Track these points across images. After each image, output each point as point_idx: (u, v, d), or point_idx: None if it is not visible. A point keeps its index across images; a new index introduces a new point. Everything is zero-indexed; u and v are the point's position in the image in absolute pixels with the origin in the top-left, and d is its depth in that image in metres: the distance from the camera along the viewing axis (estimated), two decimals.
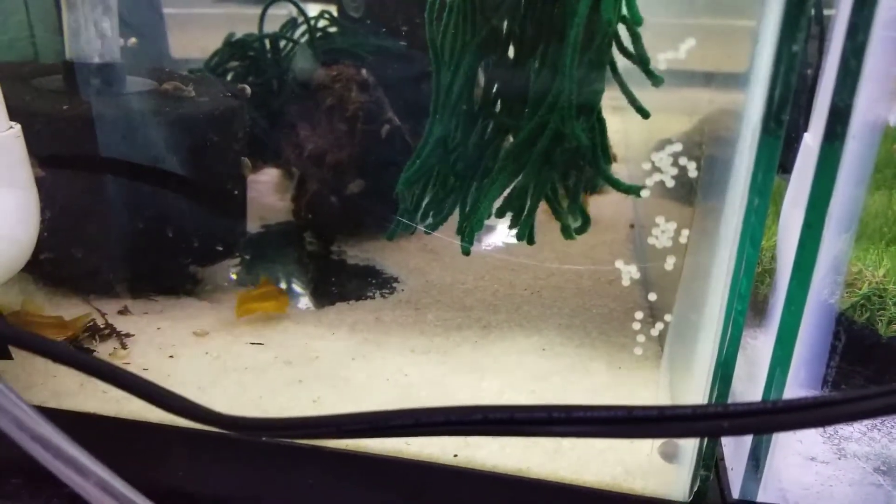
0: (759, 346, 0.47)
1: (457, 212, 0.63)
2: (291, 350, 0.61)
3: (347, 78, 0.79)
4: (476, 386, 0.56)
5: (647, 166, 0.46)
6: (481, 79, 0.60)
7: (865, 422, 0.55)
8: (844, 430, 0.54)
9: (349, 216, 0.81)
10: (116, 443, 0.49)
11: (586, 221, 0.60)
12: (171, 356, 0.59)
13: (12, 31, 0.81)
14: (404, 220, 0.64)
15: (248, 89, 0.73)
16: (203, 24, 0.99)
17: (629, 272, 0.50)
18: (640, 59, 0.52)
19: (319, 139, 0.80)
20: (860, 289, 0.57)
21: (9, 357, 0.48)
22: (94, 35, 0.64)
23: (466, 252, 0.61)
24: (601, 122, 0.57)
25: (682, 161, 0.45)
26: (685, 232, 0.46)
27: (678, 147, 0.45)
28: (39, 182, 0.55)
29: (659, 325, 0.49)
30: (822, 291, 0.50)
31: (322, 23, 0.94)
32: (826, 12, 0.65)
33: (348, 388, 0.56)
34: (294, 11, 0.94)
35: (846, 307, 0.56)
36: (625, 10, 0.52)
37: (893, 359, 0.57)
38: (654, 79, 0.51)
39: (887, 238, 0.62)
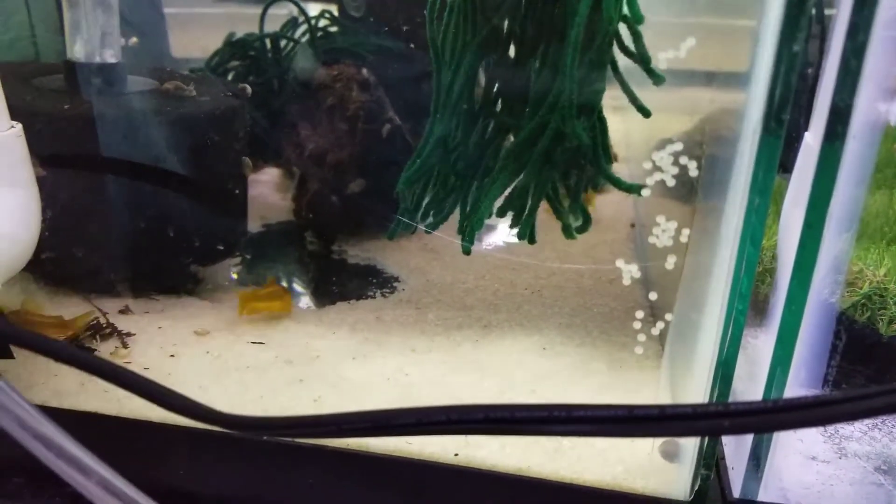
0: (759, 346, 0.47)
1: (457, 211, 0.63)
2: (292, 349, 0.61)
3: (348, 77, 0.79)
4: (477, 385, 0.57)
5: (647, 165, 0.46)
6: (482, 78, 0.60)
7: (866, 421, 0.55)
8: (845, 429, 0.54)
9: (350, 215, 0.81)
10: (118, 442, 0.49)
11: (587, 220, 0.60)
12: (172, 355, 0.59)
13: (13, 30, 0.81)
14: (405, 220, 0.64)
15: (249, 89, 0.73)
16: (204, 23, 0.99)
17: (630, 271, 0.50)
18: (642, 58, 0.52)
19: (320, 139, 0.80)
20: (861, 288, 0.57)
21: (10, 356, 0.49)
22: (96, 34, 0.64)
23: (467, 251, 0.61)
24: (602, 122, 0.57)
25: (683, 160, 0.46)
26: (686, 231, 0.46)
27: (679, 146, 0.45)
28: (41, 181, 0.55)
29: (660, 325, 0.49)
30: (823, 291, 0.50)
31: (323, 22, 0.94)
32: (827, 12, 0.65)
33: (349, 388, 0.56)
34: (295, 11, 0.94)
35: (847, 306, 0.57)
36: (626, 10, 0.52)
37: (894, 358, 0.57)
38: (656, 77, 0.51)
39: (888, 237, 0.62)
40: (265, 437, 0.48)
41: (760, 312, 0.48)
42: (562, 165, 0.58)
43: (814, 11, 0.57)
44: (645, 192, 0.49)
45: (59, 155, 0.62)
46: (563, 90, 0.53)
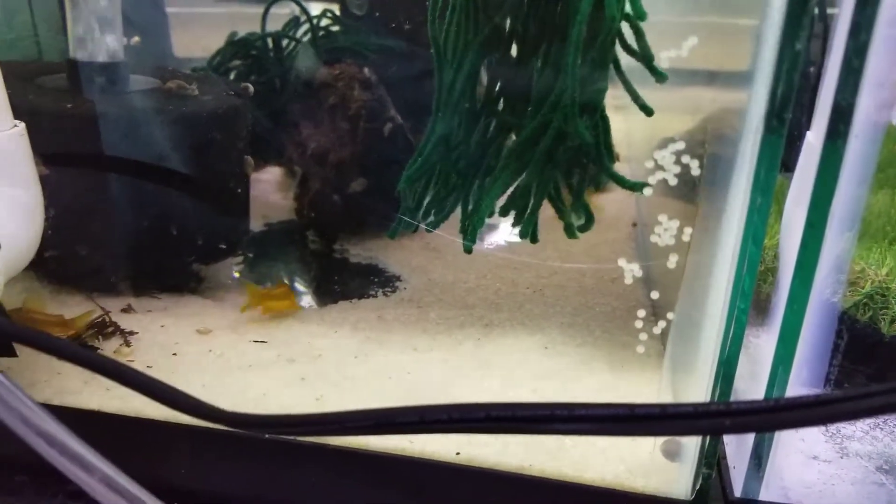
0: (761, 345, 0.47)
1: (458, 210, 0.63)
2: (294, 348, 0.61)
3: (350, 76, 0.79)
4: (478, 384, 0.57)
5: (649, 165, 0.46)
6: (484, 77, 0.60)
7: (868, 420, 0.55)
8: (847, 428, 0.54)
9: (352, 214, 0.81)
10: (120, 440, 0.49)
11: (590, 219, 0.60)
12: (174, 354, 0.59)
13: (16, 30, 0.81)
14: (406, 219, 0.64)
15: (251, 88, 0.73)
16: (206, 22, 0.99)
17: (632, 270, 0.50)
18: (644, 56, 0.52)
19: (322, 138, 0.80)
20: (863, 287, 0.57)
21: (13, 354, 0.49)
22: (98, 34, 0.65)
23: (468, 250, 0.61)
24: (605, 120, 0.57)
25: (685, 159, 0.46)
26: (688, 230, 0.46)
27: (681, 145, 0.45)
28: (44, 180, 0.56)
29: (661, 324, 0.49)
30: (825, 290, 0.50)
31: (324, 21, 0.94)
32: (829, 11, 0.65)
33: (351, 386, 0.56)
34: (296, 10, 0.94)
35: (849, 306, 0.56)
36: (628, 8, 0.52)
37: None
38: (658, 75, 0.51)
39: (890, 237, 0.62)
40: (267, 436, 0.49)
41: (762, 311, 0.48)
42: (564, 164, 0.58)
43: (816, 10, 0.57)
44: (647, 191, 0.49)
45: (61, 154, 0.62)
46: (566, 89, 0.53)
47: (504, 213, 0.60)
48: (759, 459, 0.46)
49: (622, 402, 0.30)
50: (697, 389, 0.45)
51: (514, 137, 0.60)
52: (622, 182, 0.56)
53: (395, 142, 0.78)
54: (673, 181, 0.46)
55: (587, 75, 0.53)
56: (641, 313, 0.49)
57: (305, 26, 0.94)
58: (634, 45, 0.53)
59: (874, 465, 0.51)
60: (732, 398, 0.44)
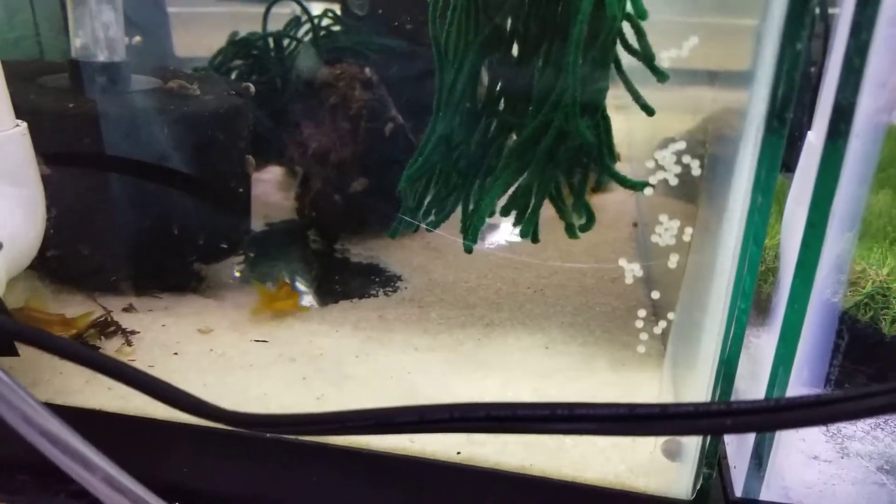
0: (762, 345, 0.47)
1: (459, 210, 0.63)
2: (295, 347, 0.61)
3: (351, 76, 0.79)
4: (479, 384, 0.57)
5: (650, 165, 0.46)
6: (485, 77, 0.60)
7: (869, 420, 0.55)
8: (848, 428, 0.54)
9: (353, 214, 0.81)
10: (122, 439, 0.49)
11: (591, 219, 0.60)
12: (175, 353, 0.59)
13: (18, 29, 0.81)
14: (407, 218, 0.64)
15: (253, 88, 0.74)
16: (207, 22, 1.00)
17: (632, 270, 0.50)
18: (645, 55, 0.52)
19: (323, 137, 0.80)
20: (864, 287, 0.57)
21: (15, 354, 0.49)
22: (100, 33, 0.65)
23: (469, 250, 0.61)
24: (606, 120, 0.57)
25: (686, 159, 0.46)
26: (688, 230, 0.46)
27: (681, 145, 0.45)
28: (45, 180, 0.56)
29: (662, 324, 0.49)
30: (826, 290, 0.50)
31: (325, 21, 0.94)
32: (830, 10, 0.65)
33: (352, 386, 0.56)
34: (298, 10, 0.94)
35: (849, 306, 0.56)
36: (629, 7, 0.52)
37: None
38: (660, 75, 0.51)
39: (891, 237, 0.62)
40: (268, 435, 0.49)
41: (763, 311, 0.48)
42: (565, 164, 0.58)
43: (817, 10, 0.57)
44: (648, 191, 0.49)
45: (63, 153, 0.62)
46: (567, 88, 0.53)
47: (505, 212, 0.60)
48: (759, 459, 0.46)
49: (623, 402, 0.30)
50: (698, 389, 0.45)
51: (514, 137, 0.60)
52: (624, 181, 0.56)
53: (396, 141, 0.78)
54: (673, 181, 0.46)
55: (588, 75, 0.53)
56: (642, 313, 0.50)
57: (306, 26, 0.94)
58: (635, 44, 0.53)
59: (875, 465, 0.51)
60: (733, 398, 0.44)
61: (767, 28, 0.37)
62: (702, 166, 0.45)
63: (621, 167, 0.58)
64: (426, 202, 0.63)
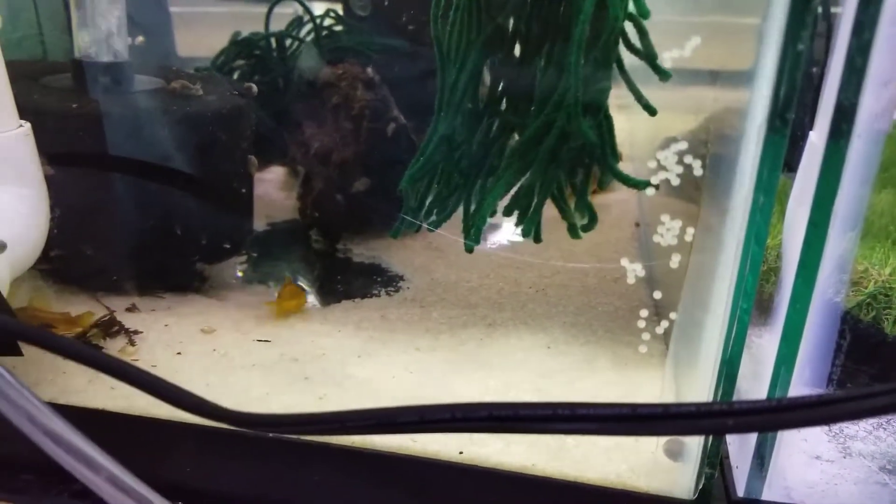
0: (764, 345, 0.47)
1: (461, 210, 0.63)
2: (298, 347, 0.61)
3: (353, 76, 0.79)
4: (481, 383, 0.57)
5: (652, 165, 0.46)
6: (486, 77, 0.60)
7: (871, 420, 0.55)
8: (850, 428, 0.54)
9: (355, 214, 0.81)
10: (125, 438, 0.49)
11: (593, 219, 0.60)
12: (178, 353, 0.59)
13: (21, 29, 0.81)
14: (409, 218, 0.64)
15: (255, 88, 0.74)
16: (209, 22, 1.00)
17: (634, 270, 0.50)
18: (648, 55, 0.52)
19: (325, 137, 0.80)
20: (866, 287, 0.57)
21: (19, 353, 0.49)
22: (102, 33, 0.65)
23: (469, 250, 0.61)
24: (608, 120, 0.57)
25: (688, 159, 0.46)
26: (690, 230, 0.46)
27: (683, 145, 0.45)
28: (49, 180, 0.56)
29: (664, 324, 0.49)
30: (828, 290, 0.50)
31: (328, 21, 0.94)
32: (833, 10, 0.65)
33: (354, 386, 0.56)
34: (300, 10, 0.95)
35: (852, 306, 0.56)
36: (631, 7, 0.52)
37: None
38: (662, 73, 0.51)
39: (893, 237, 0.61)
40: (271, 434, 0.49)
41: (765, 311, 0.48)
42: (567, 164, 0.58)
43: (820, 9, 0.57)
44: (650, 191, 0.49)
45: (66, 154, 0.62)
46: (569, 88, 0.53)
47: (508, 212, 0.60)
48: (761, 459, 0.46)
49: (625, 402, 0.30)
50: (700, 389, 0.45)
51: (516, 137, 0.60)
52: (627, 181, 0.56)
53: (398, 141, 0.78)
54: (675, 181, 0.46)
55: (590, 75, 0.53)
56: (644, 313, 0.50)
57: (309, 26, 0.94)
58: (638, 43, 0.53)
59: (877, 465, 0.51)
60: (735, 398, 0.44)
61: (769, 27, 0.37)
62: (704, 166, 0.45)
63: (623, 167, 0.58)
64: (428, 202, 0.63)
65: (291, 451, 0.49)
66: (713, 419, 0.29)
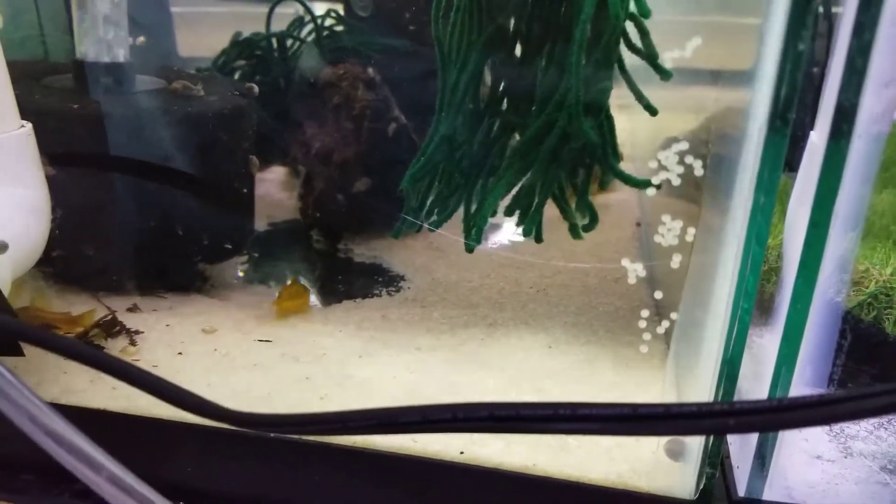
0: (765, 345, 0.47)
1: (462, 209, 0.63)
2: (299, 347, 0.61)
3: (354, 76, 0.79)
4: (482, 383, 0.57)
5: (653, 165, 0.46)
6: (488, 77, 0.60)
7: (872, 420, 0.55)
8: (851, 428, 0.54)
9: (356, 214, 0.81)
10: (126, 438, 0.49)
11: (594, 219, 0.60)
12: (179, 353, 0.59)
13: (23, 29, 0.81)
14: (410, 218, 0.64)
15: (256, 88, 0.74)
16: (210, 22, 1.00)
17: (635, 270, 0.50)
18: (649, 54, 0.52)
19: (326, 137, 0.80)
20: (867, 287, 0.57)
21: (20, 353, 0.49)
22: (103, 34, 0.65)
23: (470, 250, 0.61)
24: (609, 120, 0.57)
25: (689, 159, 0.46)
26: (691, 230, 0.46)
27: (684, 145, 0.45)
28: (50, 180, 0.56)
29: (665, 323, 0.49)
30: (829, 290, 0.50)
31: (329, 21, 0.94)
32: (834, 10, 0.65)
33: (355, 386, 0.56)
34: (301, 10, 0.95)
35: (852, 305, 0.56)
36: (632, 7, 0.52)
37: None
38: (663, 73, 0.51)
39: (894, 236, 0.61)
40: (272, 435, 0.49)
41: (766, 311, 0.48)
42: (569, 164, 0.58)
43: (820, 9, 0.57)
44: (651, 191, 0.49)
45: (68, 154, 0.62)
46: (570, 88, 0.53)
47: (509, 212, 0.60)
48: (762, 459, 0.46)
49: (626, 402, 0.30)
50: (701, 389, 0.45)
51: (517, 137, 0.60)
52: (629, 180, 0.56)
53: (399, 142, 0.78)
54: (676, 181, 0.46)
55: (591, 75, 0.53)
56: (645, 313, 0.49)
57: (310, 26, 0.94)
58: (638, 43, 0.53)
59: (878, 464, 0.51)
60: (736, 398, 0.44)
61: (770, 27, 0.37)
62: (704, 166, 0.45)
63: (624, 167, 0.58)
64: (429, 202, 0.63)
65: (292, 451, 0.49)
66: (714, 419, 0.29)
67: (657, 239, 0.47)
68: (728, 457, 0.50)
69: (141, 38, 0.75)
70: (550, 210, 0.60)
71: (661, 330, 0.50)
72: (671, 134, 0.48)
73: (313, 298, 0.73)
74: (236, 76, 0.93)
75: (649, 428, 0.30)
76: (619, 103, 0.56)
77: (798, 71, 0.36)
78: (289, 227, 0.88)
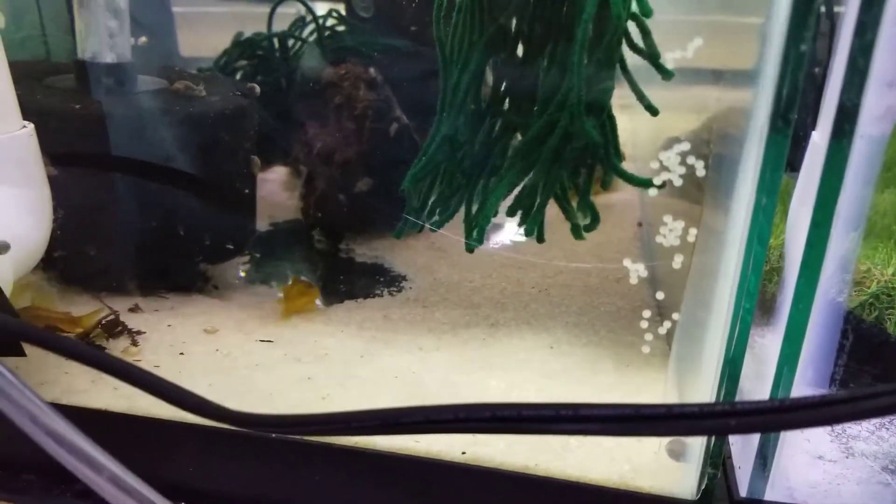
0: (766, 345, 0.47)
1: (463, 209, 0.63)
2: (300, 347, 0.61)
3: (356, 76, 0.79)
4: (484, 384, 0.57)
5: (655, 165, 0.46)
6: (489, 77, 0.60)
7: (873, 420, 0.55)
8: (852, 428, 0.54)
9: (357, 214, 0.81)
10: (127, 439, 0.49)
11: (595, 219, 0.60)
12: (181, 353, 0.59)
13: (25, 29, 0.81)
14: (411, 218, 0.64)
15: (258, 88, 0.74)
16: (211, 22, 1.00)
17: (637, 270, 0.50)
18: (651, 54, 0.52)
19: (328, 137, 0.80)
20: (868, 287, 0.57)
21: (22, 354, 0.49)
22: (105, 34, 0.65)
23: (470, 250, 0.61)
24: (611, 120, 0.57)
25: (690, 160, 0.45)
26: (693, 230, 0.46)
27: (686, 146, 0.45)
28: (52, 180, 0.56)
29: (667, 324, 0.49)
30: (830, 290, 0.50)
31: (330, 21, 0.94)
32: (836, 9, 0.64)
33: (357, 386, 0.56)
34: (302, 10, 0.95)
35: (854, 306, 0.56)
36: (634, 6, 0.52)
37: None
38: (665, 73, 0.51)
39: None
40: (274, 435, 0.49)
41: (768, 311, 0.48)
42: (570, 164, 0.58)
43: (822, 9, 0.57)
44: (652, 192, 0.49)
45: (70, 154, 0.62)
46: (572, 88, 0.53)
47: (511, 212, 0.60)
48: (764, 459, 0.46)
49: (627, 403, 0.30)
50: (703, 389, 0.45)
51: (519, 137, 0.60)
52: (632, 180, 0.56)
53: (401, 142, 0.78)
54: (678, 182, 0.46)
55: (593, 74, 0.53)
56: (647, 313, 0.49)
57: (311, 26, 0.94)
58: (640, 42, 0.53)
59: (880, 464, 0.51)
60: (738, 398, 0.44)
61: (772, 27, 0.36)
62: (706, 166, 0.45)
63: (626, 167, 0.58)
64: (430, 202, 0.63)
65: (293, 452, 0.49)
66: (716, 420, 0.29)
67: (659, 239, 0.47)
68: (730, 457, 0.50)
69: (143, 39, 0.75)
70: (552, 210, 0.60)
71: (662, 330, 0.50)
72: (673, 134, 0.48)
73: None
74: (238, 76, 0.93)
75: (651, 428, 0.30)
76: (621, 103, 0.56)
77: (800, 71, 0.36)
78: (290, 228, 0.88)
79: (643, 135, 0.74)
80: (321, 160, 0.80)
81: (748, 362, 0.43)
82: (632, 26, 0.53)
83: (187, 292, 0.70)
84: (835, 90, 0.36)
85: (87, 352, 0.38)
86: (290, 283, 0.70)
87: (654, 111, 0.55)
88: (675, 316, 0.49)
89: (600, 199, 0.61)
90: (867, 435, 0.54)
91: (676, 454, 0.47)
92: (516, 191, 0.60)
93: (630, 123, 0.63)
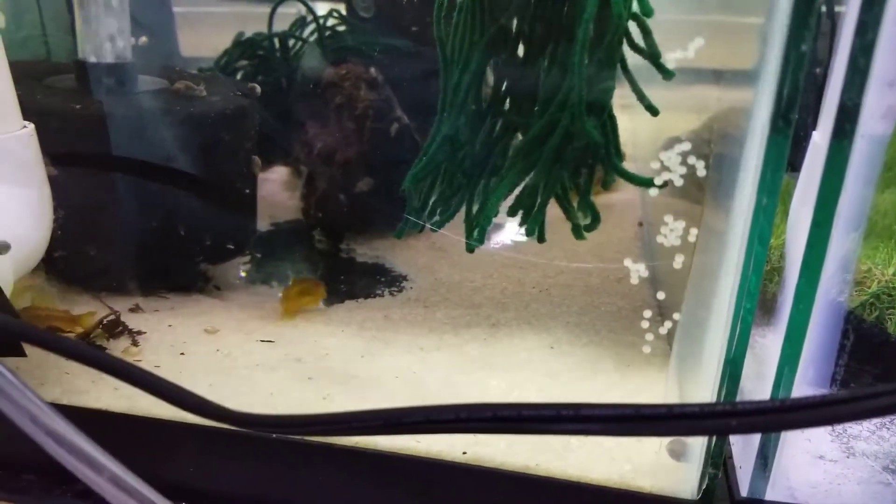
0: (767, 345, 0.47)
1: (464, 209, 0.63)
2: (301, 347, 0.61)
3: (356, 76, 0.79)
4: (485, 384, 0.57)
5: (655, 165, 0.46)
6: (490, 77, 0.60)
7: (874, 420, 0.55)
8: (853, 428, 0.54)
9: (358, 214, 0.81)
10: (128, 439, 0.49)
11: (596, 219, 0.60)
12: (182, 353, 0.59)
13: (25, 29, 0.82)
14: (412, 218, 0.64)
15: (258, 88, 0.74)
16: (212, 22, 1.00)
17: (638, 270, 0.50)
18: (651, 54, 0.52)
19: (328, 137, 0.80)
20: (869, 287, 0.57)
21: (22, 354, 0.49)
22: (106, 34, 0.65)
23: (471, 250, 0.61)
24: (612, 120, 0.57)
25: (691, 160, 0.45)
26: (694, 230, 0.46)
27: (687, 146, 0.45)
28: (52, 180, 0.56)
29: (667, 324, 0.49)
30: (831, 290, 0.50)
31: (331, 21, 0.94)
32: (837, 9, 0.64)
33: (358, 386, 0.56)
34: (303, 10, 0.95)
35: (855, 306, 0.56)
36: (635, 6, 0.52)
37: None
38: (666, 73, 0.51)
39: None
40: (274, 435, 0.49)
41: (768, 311, 0.48)
42: (571, 164, 0.58)
43: (823, 9, 0.57)
44: (653, 192, 0.49)
45: (70, 154, 0.62)
46: (573, 88, 0.53)
47: (512, 212, 0.60)
48: (765, 459, 0.46)
49: (628, 403, 0.30)
50: (703, 389, 0.45)
51: (520, 137, 0.60)
52: (633, 179, 0.56)
53: (401, 142, 0.78)
54: (679, 181, 0.46)
55: (594, 74, 0.53)
56: (647, 313, 0.49)
57: (312, 26, 0.94)
58: (641, 42, 0.53)
59: (880, 464, 0.51)
60: (738, 398, 0.44)
61: (773, 27, 0.36)
62: (707, 166, 0.45)
63: (627, 167, 0.58)
64: (431, 202, 0.63)
65: (294, 452, 0.49)
66: (717, 420, 0.29)
67: (659, 239, 0.47)
68: (730, 457, 0.50)
69: (143, 39, 0.75)
70: (552, 210, 0.60)
71: (663, 330, 0.50)
72: (674, 134, 0.48)
73: None
74: (239, 76, 0.93)
75: (652, 428, 0.30)
76: (621, 103, 0.56)
77: (801, 71, 0.35)
78: (291, 228, 0.88)
79: (644, 135, 0.74)
80: (322, 160, 0.80)
81: (749, 362, 0.43)
82: (632, 26, 0.53)
83: (188, 292, 0.70)
84: (835, 90, 0.36)
85: (88, 352, 0.38)
86: (290, 283, 0.70)
87: (654, 111, 0.55)
88: (676, 316, 0.49)
89: (601, 199, 0.61)
90: (868, 435, 0.54)
91: (677, 454, 0.47)
92: (517, 191, 0.60)
93: (631, 123, 0.63)
